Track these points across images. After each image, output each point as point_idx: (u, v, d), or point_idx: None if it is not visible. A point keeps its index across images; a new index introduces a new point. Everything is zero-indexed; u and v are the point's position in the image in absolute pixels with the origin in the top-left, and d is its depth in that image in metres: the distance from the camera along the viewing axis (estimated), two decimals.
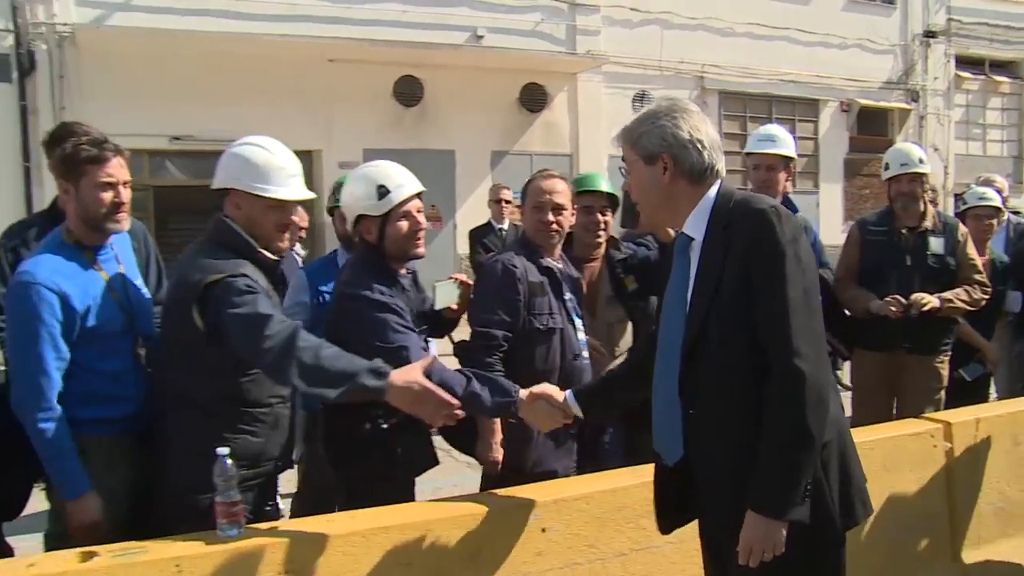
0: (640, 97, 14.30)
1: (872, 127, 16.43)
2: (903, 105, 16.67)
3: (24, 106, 10.98)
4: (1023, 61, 18.21)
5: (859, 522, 2.28)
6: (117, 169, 2.87)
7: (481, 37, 12.93)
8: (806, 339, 2.12)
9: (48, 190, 10.72)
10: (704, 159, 2.26)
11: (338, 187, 3.89)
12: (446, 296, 3.46)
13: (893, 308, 4.23)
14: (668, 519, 2.48)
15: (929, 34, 16.85)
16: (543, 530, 2.78)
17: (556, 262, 3.51)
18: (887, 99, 16.60)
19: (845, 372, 4.71)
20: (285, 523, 2.88)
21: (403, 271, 3.21)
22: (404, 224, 3.09)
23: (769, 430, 2.14)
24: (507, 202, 7.30)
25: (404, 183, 3.12)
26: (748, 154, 4.59)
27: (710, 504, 2.36)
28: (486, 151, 13.23)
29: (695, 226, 2.31)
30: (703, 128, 2.27)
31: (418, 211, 3.14)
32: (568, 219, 3.53)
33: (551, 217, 3.45)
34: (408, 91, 12.81)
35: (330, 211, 4.28)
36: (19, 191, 11.05)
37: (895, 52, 16.74)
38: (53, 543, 2.92)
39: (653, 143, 2.29)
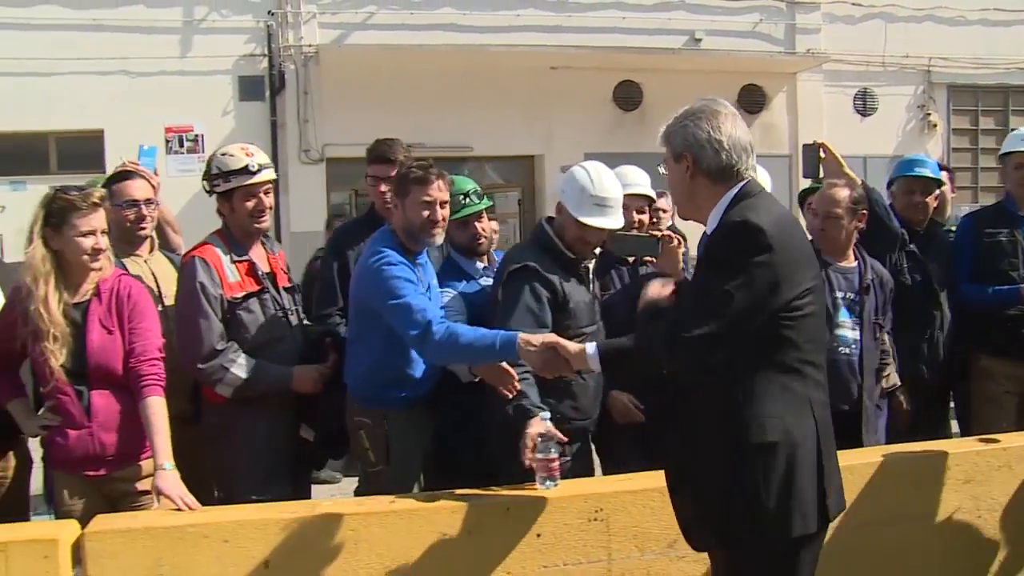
0: (862, 95, 13.77)
1: None
2: None
3: (274, 121, 11.84)
4: None
5: (793, 533, 2.27)
6: (436, 191, 3.35)
7: (699, 40, 12.86)
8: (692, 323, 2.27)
9: (293, 199, 11.58)
10: (722, 159, 2.35)
11: None
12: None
13: None
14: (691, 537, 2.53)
15: None
16: None
17: None
18: None
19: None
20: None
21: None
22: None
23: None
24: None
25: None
26: (1007, 154, 4.48)
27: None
28: None
29: (711, 225, 2.44)
30: (726, 129, 2.36)
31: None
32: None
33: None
34: (627, 96, 12.90)
35: None
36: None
37: None
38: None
39: (678, 142, 2.43)
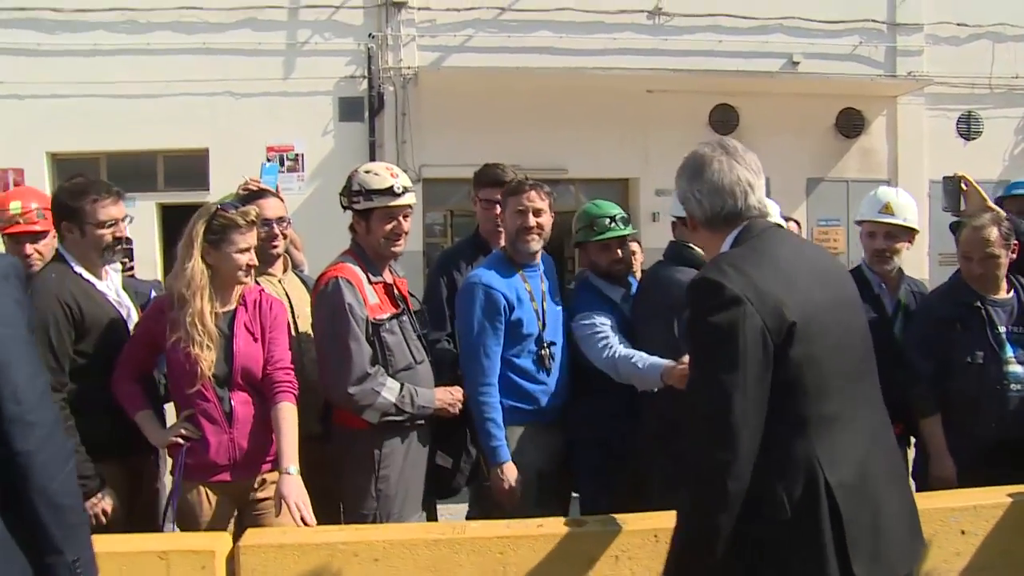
0: (966, 118, 13.40)
1: None
2: None
3: (372, 142, 12.03)
4: None
5: None
6: (529, 200, 3.55)
7: (797, 63, 12.68)
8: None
9: None
10: (705, 207, 2.27)
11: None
12: None
13: None
14: None
15: None
16: None
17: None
18: None
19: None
20: None
21: None
22: None
23: None
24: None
25: None
26: None
27: None
28: (801, 178, 12.89)
29: None
30: (705, 174, 2.25)
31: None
32: None
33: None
34: (724, 119, 12.76)
35: None
36: None
37: None
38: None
39: (679, 197, 2.44)
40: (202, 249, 3.18)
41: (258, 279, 3.53)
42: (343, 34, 12.09)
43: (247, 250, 3.21)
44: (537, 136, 11.64)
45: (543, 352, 3.57)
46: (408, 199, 3.40)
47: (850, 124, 13.14)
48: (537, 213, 3.56)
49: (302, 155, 11.87)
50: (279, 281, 3.75)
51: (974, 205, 3.97)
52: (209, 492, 3.18)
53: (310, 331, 3.56)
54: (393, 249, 3.44)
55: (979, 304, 3.68)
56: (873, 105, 13.18)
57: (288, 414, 3.15)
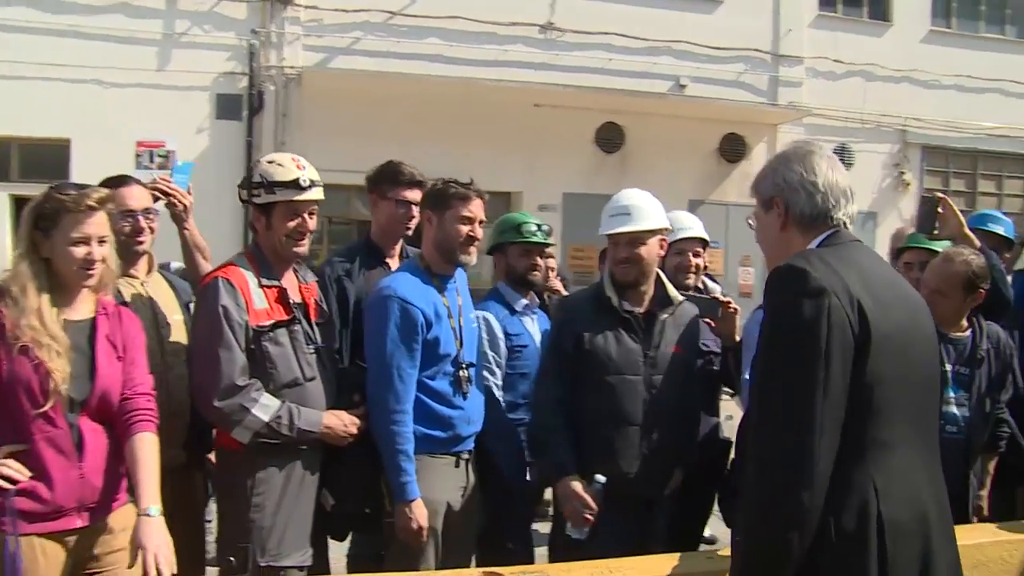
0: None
1: None
2: None
3: (250, 141, 11.54)
4: None
5: None
6: (477, 208, 3.23)
7: (684, 86, 12.87)
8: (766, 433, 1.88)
9: None
10: (816, 203, 2.08)
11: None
12: None
13: None
14: None
15: None
16: None
17: None
18: None
19: None
20: None
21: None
22: None
23: None
24: None
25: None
26: None
27: None
28: (683, 199, 13.00)
29: None
30: (821, 170, 2.09)
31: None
32: None
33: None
34: (610, 138, 12.83)
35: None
36: (239, 221, 11.58)
37: None
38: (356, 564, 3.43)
39: (768, 187, 2.17)
40: (32, 238, 2.64)
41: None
42: (224, 27, 11.57)
43: (84, 241, 2.63)
44: (422, 145, 11.28)
45: (461, 374, 3.25)
46: (315, 194, 3.05)
47: (732, 149, 13.43)
48: (482, 224, 3.29)
49: (174, 152, 11.16)
50: (142, 284, 3.24)
51: (949, 229, 3.81)
52: (46, 545, 2.55)
53: (178, 341, 3.18)
54: (295, 249, 3.08)
55: None
56: (755, 132, 13.51)
57: (149, 446, 2.64)
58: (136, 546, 2.45)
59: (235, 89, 11.60)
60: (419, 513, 3.07)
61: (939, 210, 3.78)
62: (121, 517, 2.67)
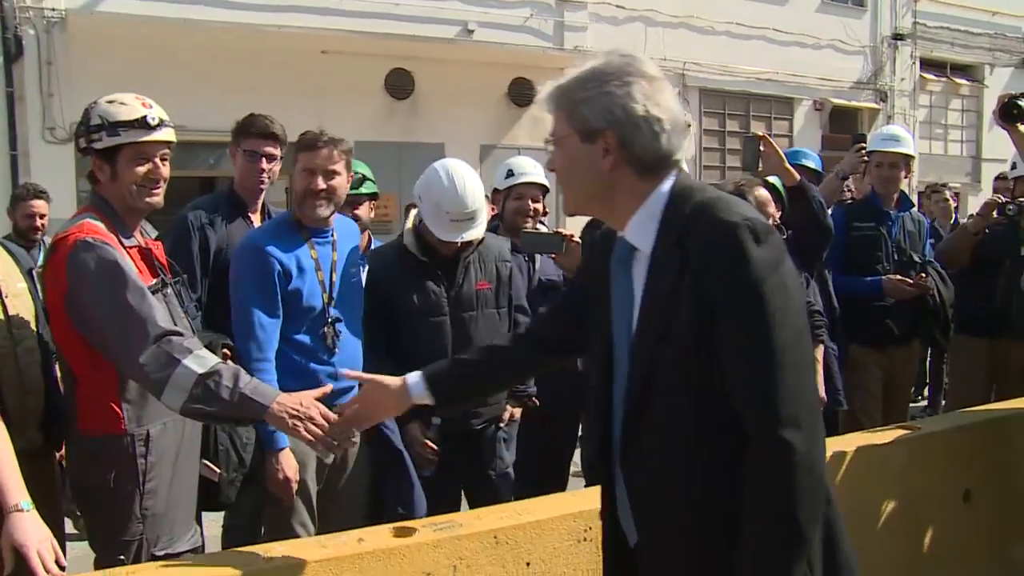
0: None
1: (843, 126, 16.84)
2: (872, 105, 17.15)
3: (10, 93, 10.72)
4: (981, 65, 18.84)
5: None
6: (323, 159, 3.17)
7: (472, 32, 12.96)
8: (797, 401, 1.60)
9: (36, 178, 10.50)
10: (660, 144, 1.72)
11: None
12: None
13: None
14: None
15: (897, 36, 17.34)
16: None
17: None
18: (857, 99, 17.06)
19: None
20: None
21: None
22: None
23: (748, 525, 1.62)
24: None
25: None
26: (871, 152, 4.83)
27: None
28: (475, 145, 13.27)
29: (640, 233, 1.77)
30: (665, 101, 1.73)
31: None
32: None
33: None
34: (399, 84, 12.80)
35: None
36: (6, 178, 10.79)
37: (865, 53, 17.20)
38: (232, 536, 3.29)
39: (596, 115, 1.73)
40: None
41: None
42: None
43: None
44: (205, 96, 10.90)
45: (326, 330, 3.22)
46: (166, 134, 2.70)
47: (521, 93, 13.70)
48: (329, 175, 3.16)
49: None
50: None
51: (771, 165, 4.02)
52: None
53: (21, 314, 2.79)
54: (148, 200, 2.72)
55: None
56: (543, 76, 13.29)
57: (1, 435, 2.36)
58: (15, 547, 2.18)
59: None
60: (286, 463, 3.05)
61: (761, 148, 4.01)
62: None
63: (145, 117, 2.66)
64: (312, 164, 3.15)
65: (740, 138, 4.17)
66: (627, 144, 1.72)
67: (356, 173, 3.75)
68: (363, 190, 4.02)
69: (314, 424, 2.34)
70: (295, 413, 2.35)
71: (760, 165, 4.04)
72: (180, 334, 2.50)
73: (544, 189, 4.29)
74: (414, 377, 2.16)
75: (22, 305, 2.83)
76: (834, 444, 3.18)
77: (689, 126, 14.81)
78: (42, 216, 6.17)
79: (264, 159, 3.68)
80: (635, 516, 1.83)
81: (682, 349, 1.66)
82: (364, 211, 4.04)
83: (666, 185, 1.76)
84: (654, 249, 1.74)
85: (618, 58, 1.78)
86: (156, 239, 2.96)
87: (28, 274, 3.00)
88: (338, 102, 12.09)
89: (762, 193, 3.97)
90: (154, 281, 2.73)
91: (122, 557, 2.61)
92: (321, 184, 3.15)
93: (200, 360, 2.43)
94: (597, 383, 1.92)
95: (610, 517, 1.95)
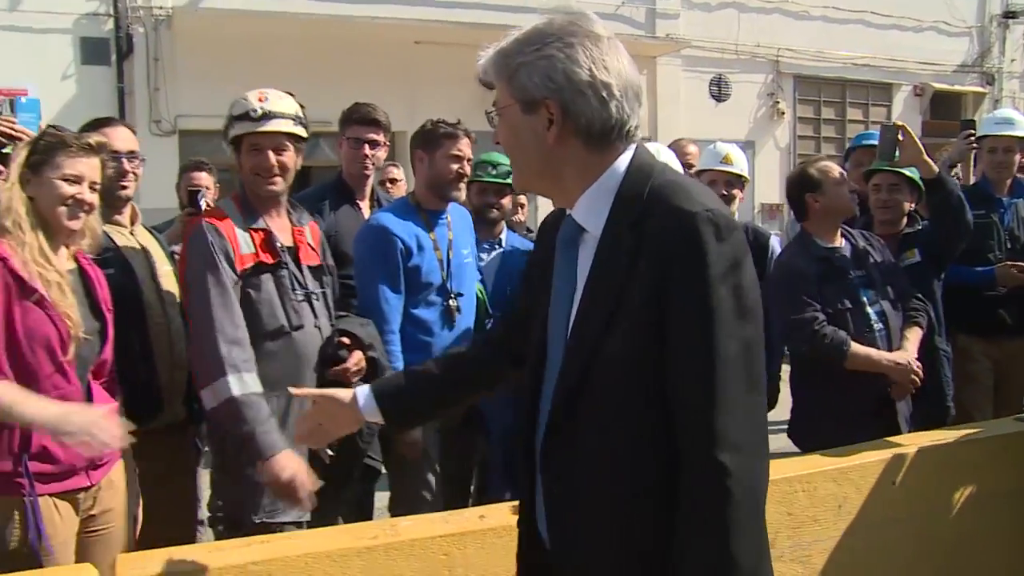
0: (717, 81, 14.26)
1: (945, 112, 16.22)
2: (978, 88, 16.45)
3: (121, 88, 11.10)
4: None
5: None
6: (466, 147, 3.46)
7: None
8: (738, 420, 1.44)
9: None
10: (610, 113, 1.56)
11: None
12: None
13: None
14: None
15: (1009, 15, 16.57)
16: None
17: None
18: (961, 83, 16.40)
19: None
20: None
21: None
22: None
23: (679, 552, 1.46)
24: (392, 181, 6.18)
25: None
26: (981, 137, 4.67)
27: None
28: None
29: (590, 213, 1.62)
30: (613, 65, 1.57)
31: None
32: None
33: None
34: None
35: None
36: None
37: (971, 34, 16.51)
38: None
39: (534, 82, 1.58)
40: (21, 176, 2.50)
41: (105, 228, 2.83)
42: None
43: (76, 180, 2.50)
44: (301, 86, 10.81)
45: (450, 303, 3.47)
46: (275, 125, 2.83)
47: None
48: (470, 162, 3.56)
49: (39, 101, 10.69)
50: (131, 232, 3.09)
51: (909, 155, 3.88)
52: (60, 505, 2.46)
53: (173, 292, 3.05)
54: (268, 187, 2.87)
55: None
56: (636, 65, 13.64)
57: None
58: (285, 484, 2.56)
59: (101, 32, 11.07)
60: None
61: (899, 137, 3.86)
62: (115, 474, 2.66)
63: (248, 111, 2.85)
64: (459, 151, 3.46)
65: (879, 126, 3.94)
66: (571, 114, 1.56)
67: (501, 164, 3.90)
68: (509, 180, 4.05)
69: (295, 497, 2.57)
70: (280, 485, 2.57)
71: (897, 155, 3.88)
72: (240, 344, 2.69)
73: (744, 181, 4.49)
74: (364, 392, 1.95)
75: (171, 285, 3.10)
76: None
77: (783, 113, 14.60)
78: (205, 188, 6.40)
79: (367, 145, 3.79)
80: (550, 527, 1.67)
81: (628, 344, 1.50)
82: (507, 202, 4.13)
83: (622, 161, 1.61)
84: (604, 231, 1.58)
85: (561, 16, 1.61)
86: (306, 226, 3.09)
87: (171, 257, 3.26)
88: (431, 92, 12.19)
89: (828, 165, 3.78)
90: (262, 262, 2.84)
91: (220, 515, 2.85)
92: (466, 169, 3.51)
93: (241, 382, 2.64)
94: (528, 380, 1.74)
95: (527, 524, 1.79)
